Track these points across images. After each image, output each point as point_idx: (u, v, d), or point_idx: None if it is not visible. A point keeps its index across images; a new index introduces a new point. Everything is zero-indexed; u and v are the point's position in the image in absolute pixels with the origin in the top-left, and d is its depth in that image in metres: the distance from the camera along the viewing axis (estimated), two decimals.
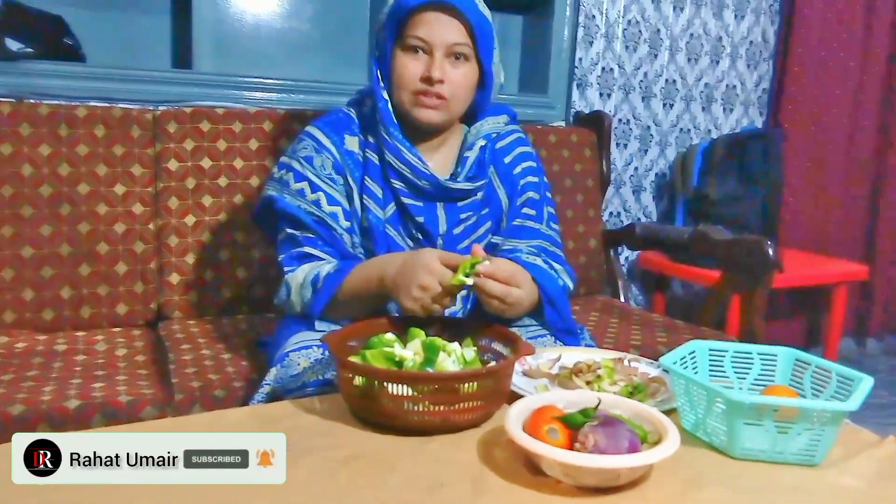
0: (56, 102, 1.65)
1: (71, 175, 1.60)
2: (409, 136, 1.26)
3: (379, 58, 1.26)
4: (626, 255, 2.62)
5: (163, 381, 1.31)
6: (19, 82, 1.72)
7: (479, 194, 1.32)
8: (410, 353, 0.98)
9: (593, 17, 2.44)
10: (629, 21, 2.51)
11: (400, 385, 0.89)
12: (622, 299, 2.18)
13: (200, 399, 1.26)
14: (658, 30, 2.57)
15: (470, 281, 1.05)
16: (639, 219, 2.65)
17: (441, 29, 1.18)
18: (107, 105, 1.70)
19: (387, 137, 1.24)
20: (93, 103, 1.71)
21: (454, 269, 1.06)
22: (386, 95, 1.24)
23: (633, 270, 2.65)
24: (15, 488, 0.75)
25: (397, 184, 1.26)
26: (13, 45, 1.72)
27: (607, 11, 2.47)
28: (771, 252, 1.65)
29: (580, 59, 2.44)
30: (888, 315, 3.06)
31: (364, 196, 1.26)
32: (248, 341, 1.54)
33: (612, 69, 2.52)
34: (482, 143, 1.32)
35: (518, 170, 1.37)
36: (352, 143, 1.27)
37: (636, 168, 2.63)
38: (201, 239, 1.70)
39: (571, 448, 0.79)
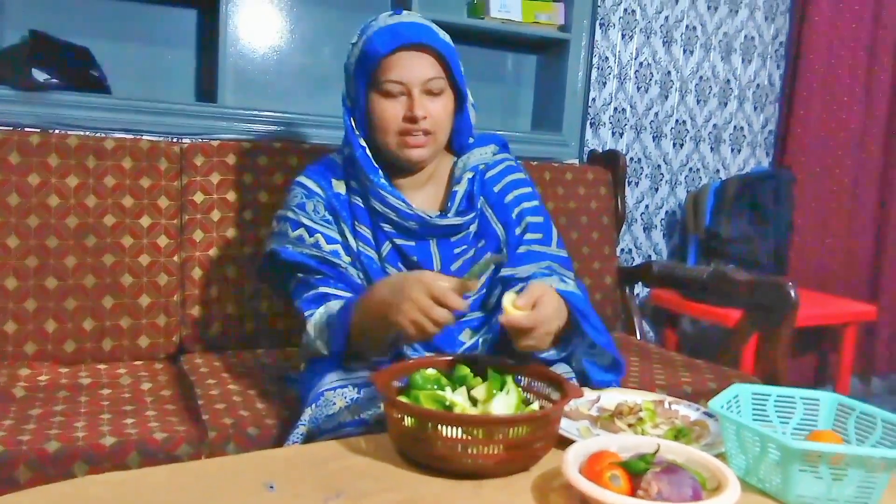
0: (85, 134, 1.66)
1: (97, 206, 1.60)
2: (394, 176, 1.27)
3: (352, 106, 1.27)
4: (637, 291, 2.64)
5: (193, 418, 1.30)
6: (45, 112, 1.73)
7: (473, 227, 1.31)
8: (460, 398, 0.98)
9: (606, 58, 2.49)
10: (641, 63, 2.56)
11: (453, 428, 0.88)
12: (638, 336, 2.19)
13: (234, 437, 1.24)
14: (669, 72, 2.62)
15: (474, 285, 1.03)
16: (650, 256, 2.67)
17: (414, 68, 1.20)
18: (135, 137, 1.70)
19: (368, 184, 1.24)
20: (119, 135, 1.72)
21: (460, 292, 1.03)
22: (363, 142, 1.26)
23: (645, 307, 2.66)
24: None
25: (386, 227, 1.26)
26: (40, 75, 1.74)
27: (620, 53, 2.52)
28: (792, 292, 1.66)
29: (593, 99, 2.48)
30: (893, 354, 3.08)
31: (357, 240, 1.27)
32: (274, 376, 1.53)
33: (624, 109, 2.56)
34: (469, 175, 1.32)
35: (510, 198, 1.34)
36: (339, 186, 1.29)
37: (647, 206, 2.66)
38: (225, 272, 1.70)
39: (633, 495, 0.79)
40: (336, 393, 1.14)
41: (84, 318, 1.57)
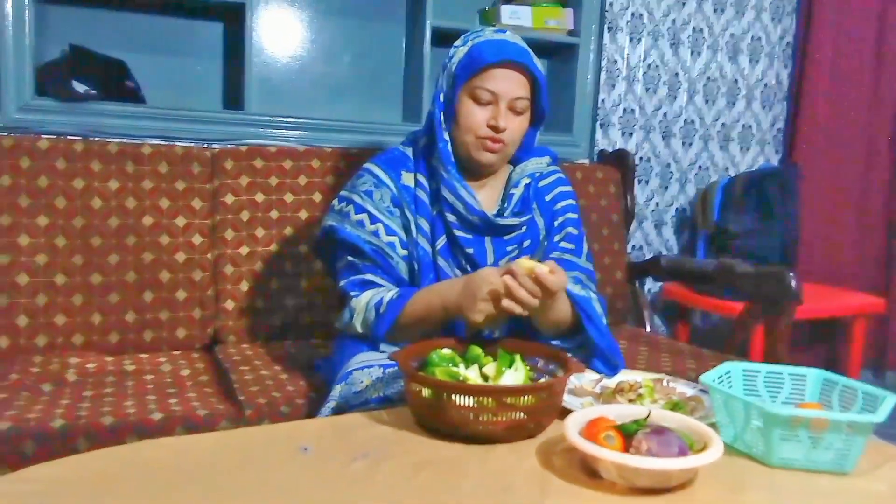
0: (124, 141, 1.79)
1: (136, 208, 1.72)
2: (462, 174, 1.38)
3: (443, 102, 1.36)
4: (649, 286, 2.72)
5: (230, 399, 1.41)
6: (85, 121, 1.86)
7: (524, 228, 1.43)
8: (473, 373, 1.08)
9: (615, 61, 2.58)
10: (649, 65, 2.64)
11: (466, 397, 0.98)
12: (648, 329, 2.27)
13: (269, 414, 1.35)
14: (676, 73, 2.70)
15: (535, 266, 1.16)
16: (661, 252, 2.75)
17: (509, 84, 1.31)
18: (169, 143, 1.83)
19: (444, 174, 1.35)
20: (154, 141, 1.84)
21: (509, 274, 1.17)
22: (446, 136, 1.36)
23: (656, 301, 2.74)
24: None
25: (450, 217, 1.36)
26: (79, 87, 1.87)
27: (628, 56, 2.60)
28: (793, 283, 1.74)
29: (603, 101, 2.57)
30: None
31: (417, 231, 1.37)
32: (301, 364, 1.63)
33: (633, 110, 2.64)
34: (527, 181, 1.44)
35: (558, 207, 1.48)
36: (408, 178, 1.39)
37: (657, 203, 2.74)
38: (254, 268, 1.81)
39: (626, 452, 0.88)
40: (363, 372, 1.25)
41: (126, 312, 1.69)
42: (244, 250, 1.81)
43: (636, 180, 2.66)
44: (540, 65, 1.36)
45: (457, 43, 1.37)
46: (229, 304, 1.79)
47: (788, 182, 2.47)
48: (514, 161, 1.46)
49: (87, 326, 1.65)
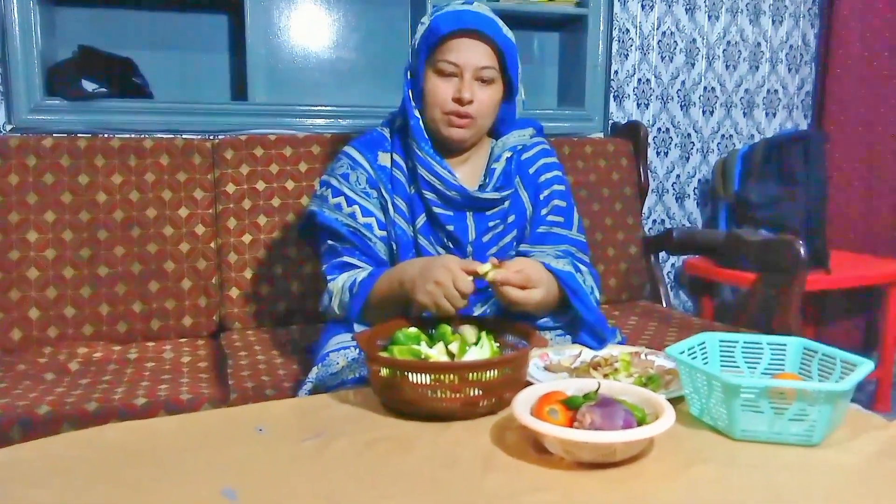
0: (126, 136, 1.84)
1: (140, 200, 1.77)
2: (439, 150, 1.37)
3: (411, 79, 1.37)
4: (673, 261, 2.65)
5: (221, 383, 1.45)
6: (95, 119, 1.92)
7: (507, 203, 1.41)
8: (436, 352, 1.07)
9: (627, 30, 2.51)
10: (664, 33, 2.56)
11: (420, 374, 0.98)
12: (664, 304, 2.22)
13: (253, 397, 1.38)
14: (694, 39, 2.61)
15: (488, 270, 1.14)
16: (683, 225, 2.67)
17: (470, 53, 1.29)
18: (170, 136, 1.87)
19: (418, 152, 1.34)
20: (158, 135, 1.89)
21: (471, 273, 1.15)
22: (417, 113, 1.35)
23: (680, 277, 2.67)
24: None
25: (429, 195, 1.35)
26: (89, 86, 1.93)
27: (641, 25, 2.53)
28: (802, 251, 1.67)
29: (616, 72, 2.51)
30: None
31: (394, 211, 1.36)
32: (299, 348, 1.66)
33: (648, 80, 2.57)
34: (508, 154, 1.41)
35: (542, 179, 1.45)
36: (384, 159, 1.39)
37: (678, 175, 2.66)
38: (258, 255, 1.85)
39: (571, 426, 0.86)
40: (339, 354, 1.27)
41: (133, 302, 1.75)
42: (247, 238, 1.84)
43: (655, 152, 2.59)
44: (508, 33, 1.33)
45: (423, 19, 1.35)
46: (234, 292, 1.83)
47: (812, 147, 2.35)
48: (496, 135, 1.44)
49: (95, 317, 1.71)
